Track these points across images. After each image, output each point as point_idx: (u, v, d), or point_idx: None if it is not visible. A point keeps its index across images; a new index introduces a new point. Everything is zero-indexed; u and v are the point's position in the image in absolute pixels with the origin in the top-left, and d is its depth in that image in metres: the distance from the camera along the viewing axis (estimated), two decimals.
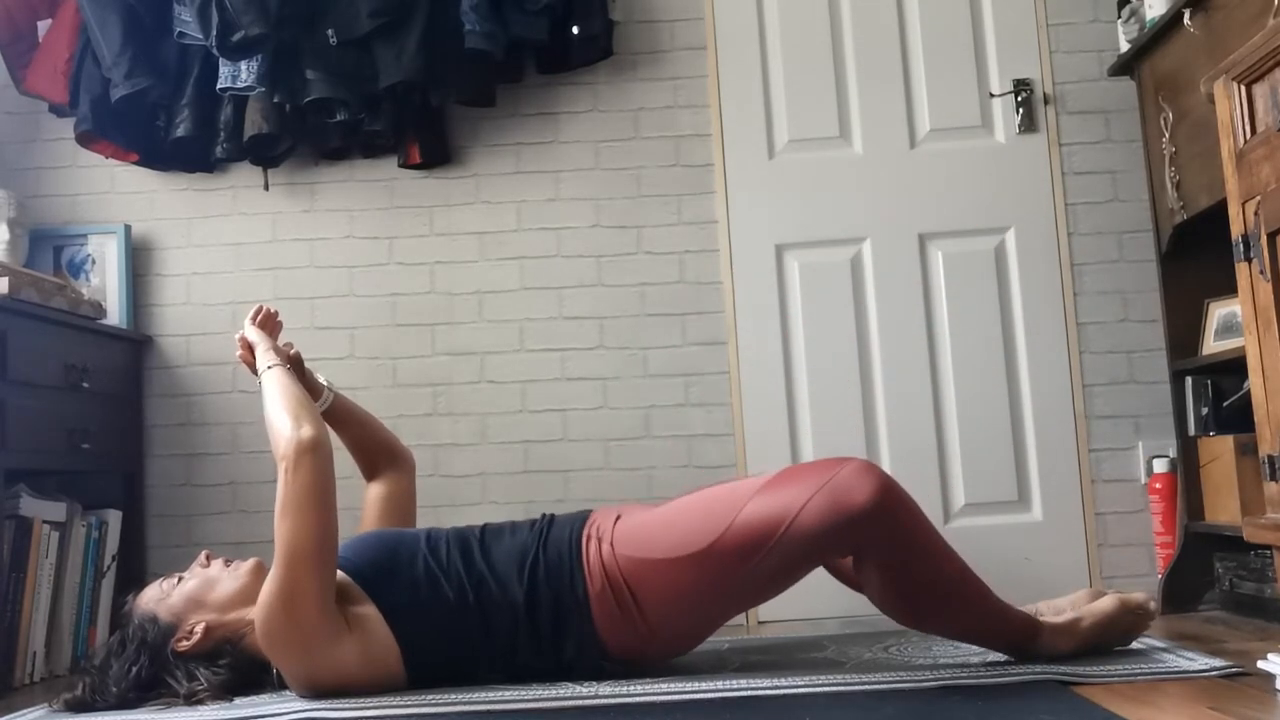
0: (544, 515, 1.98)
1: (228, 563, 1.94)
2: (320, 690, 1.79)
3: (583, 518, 1.92)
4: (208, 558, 1.95)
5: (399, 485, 2.22)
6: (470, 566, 1.86)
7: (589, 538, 1.85)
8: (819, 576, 2.79)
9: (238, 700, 1.81)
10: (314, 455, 1.76)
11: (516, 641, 1.84)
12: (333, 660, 1.77)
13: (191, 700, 1.79)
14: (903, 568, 1.77)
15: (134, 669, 1.82)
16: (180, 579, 1.91)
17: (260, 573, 1.89)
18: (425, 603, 1.83)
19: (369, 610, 1.82)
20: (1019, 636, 1.84)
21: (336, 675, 1.78)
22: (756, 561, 1.76)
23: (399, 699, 1.75)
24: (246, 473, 2.89)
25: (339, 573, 1.86)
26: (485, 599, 1.84)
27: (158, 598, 1.89)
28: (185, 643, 1.84)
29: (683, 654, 1.96)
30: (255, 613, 1.78)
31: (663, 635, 1.84)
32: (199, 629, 1.85)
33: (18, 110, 3.01)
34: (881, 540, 1.74)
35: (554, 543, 1.87)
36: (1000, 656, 1.89)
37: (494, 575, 1.85)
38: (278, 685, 1.86)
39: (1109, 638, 1.90)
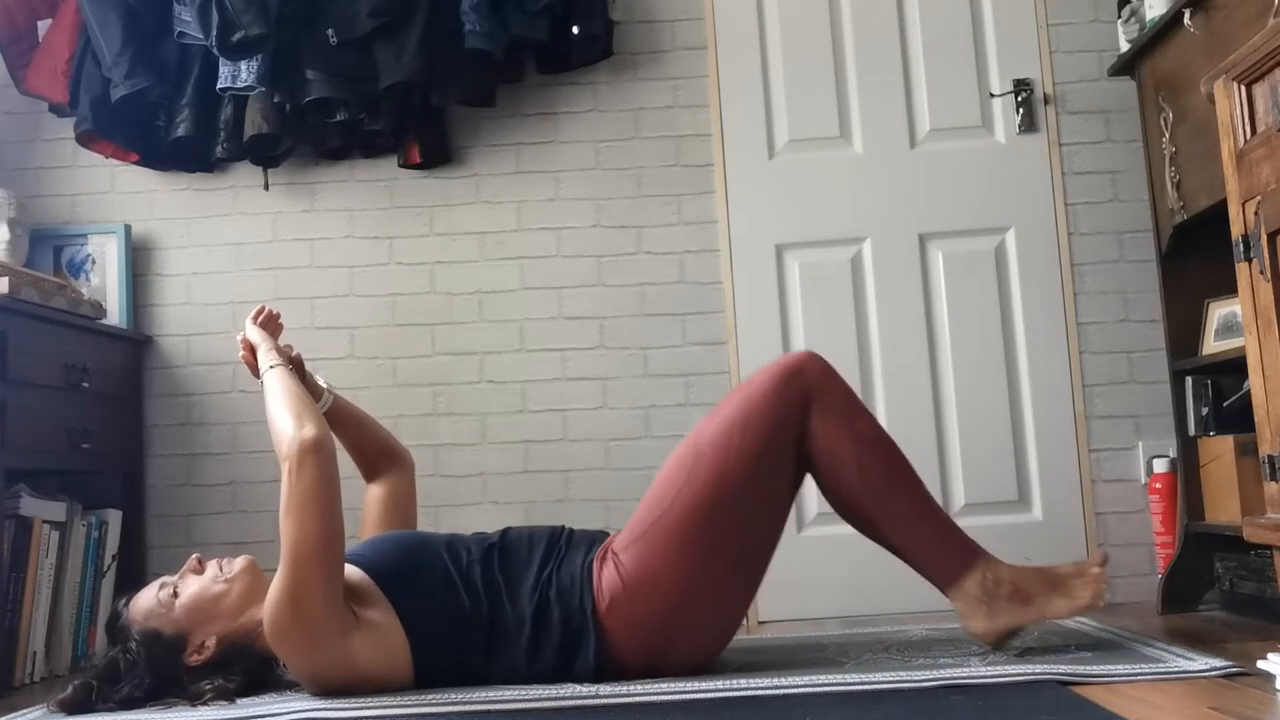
0: (564, 530, 1.98)
1: (218, 563, 1.91)
2: (329, 686, 1.80)
3: (601, 538, 1.94)
4: (200, 562, 1.91)
5: (399, 485, 2.22)
6: (488, 579, 1.87)
7: (600, 558, 1.88)
8: (817, 576, 2.80)
9: (239, 700, 1.81)
10: (317, 455, 1.76)
11: (522, 656, 1.84)
12: (342, 657, 1.77)
13: (198, 701, 1.79)
14: (849, 416, 1.89)
15: (144, 684, 1.81)
16: (175, 590, 1.86)
17: (255, 569, 1.89)
18: (441, 609, 1.84)
19: (385, 610, 1.82)
20: (961, 548, 1.90)
21: (345, 671, 1.78)
22: (735, 458, 1.84)
23: (399, 699, 1.75)
24: (246, 473, 2.89)
25: (357, 570, 1.86)
26: (497, 613, 1.84)
27: (157, 611, 1.84)
28: (197, 657, 1.83)
29: (707, 655, 1.94)
30: (263, 612, 1.78)
31: (683, 629, 1.85)
32: (210, 643, 1.84)
33: (18, 110, 3.01)
34: (824, 380, 1.90)
35: (568, 563, 1.88)
36: (1000, 656, 1.89)
37: (508, 590, 1.86)
38: (286, 680, 1.87)
39: (1054, 589, 1.89)
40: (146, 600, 1.87)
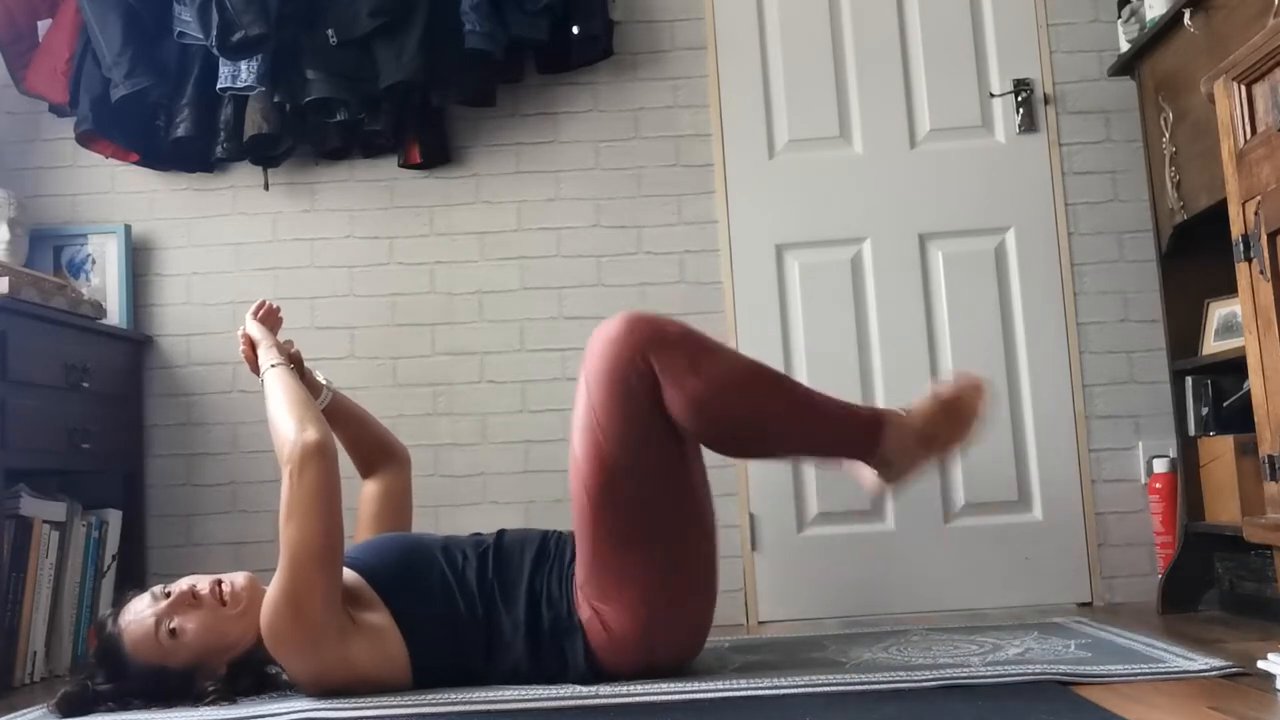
0: (555, 534, 1.98)
1: (216, 590, 1.81)
2: (328, 689, 1.79)
3: None
4: (195, 595, 1.80)
5: (396, 483, 2.22)
6: (483, 582, 1.87)
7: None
8: (817, 576, 2.80)
9: (240, 700, 1.81)
10: (319, 458, 1.75)
11: (519, 659, 1.84)
12: (340, 660, 1.77)
13: (200, 701, 1.79)
14: (693, 363, 1.75)
15: (157, 704, 1.80)
16: (174, 629, 1.77)
17: (257, 590, 1.83)
18: (437, 612, 1.84)
19: (381, 613, 1.82)
20: (862, 426, 1.80)
21: (343, 674, 1.78)
22: (607, 456, 1.76)
23: (399, 699, 1.75)
24: (246, 473, 2.88)
25: (352, 574, 1.86)
26: (493, 617, 1.84)
27: (161, 652, 1.77)
28: (207, 683, 1.81)
29: (693, 642, 1.93)
30: (261, 616, 1.77)
31: (658, 628, 1.83)
32: (222, 670, 1.81)
33: (18, 110, 3.01)
34: (652, 336, 1.76)
35: (556, 569, 1.88)
36: (1001, 656, 1.89)
37: (502, 595, 1.86)
38: (286, 680, 1.87)
39: (948, 417, 1.84)
40: (144, 640, 1.78)
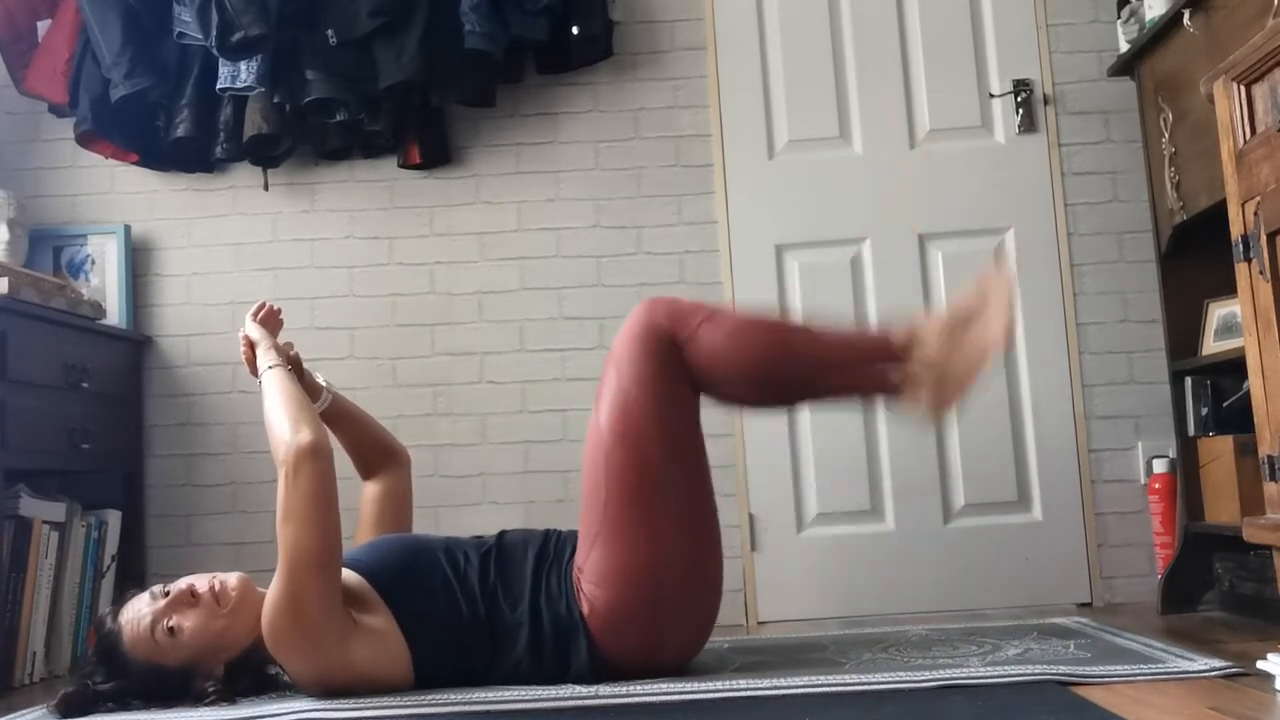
0: (556, 533, 1.98)
1: (214, 589, 1.81)
2: (330, 689, 1.79)
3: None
4: (194, 594, 1.80)
5: (396, 484, 2.22)
6: (485, 582, 1.87)
7: (578, 564, 1.87)
8: (817, 576, 2.80)
9: (239, 700, 1.81)
10: (314, 460, 1.75)
11: (521, 658, 1.84)
12: (341, 661, 1.77)
13: (200, 701, 1.79)
14: (714, 322, 1.84)
15: (156, 704, 1.81)
16: (172, 628, 1.78)
17: (250, 591, 1.83)
18: (439, 613, 1.84)
19: (383, 614, 1.82)
20: (885, 348, 1.82)
21: (345, 675, 1.78)
22: (639, 428, 1.82)
23: (399, 699, 1.75)
24: (246, 473, 2.88)
25: (354, 575, 1.86)
26: (495, 617, 1.85)
27: (159, 651, 1.78)
28: (205, 682, 1.81)
29: (698, 636, 1.94)
30: (262, 618, 1.77)
31: (668, 616, 1.84)
32: (219, 671, 1.81)
33: (18, 110, 3.01)
34: (675, 310, 1.86)
35: (556, 568, 1.89)
36: (1001, 656, 1.89)
37: (505, 594, 1.86)
38: (285, 681, 1.87)
39: (975, 308, 1.83)
40: (141, 638, 1.79)
